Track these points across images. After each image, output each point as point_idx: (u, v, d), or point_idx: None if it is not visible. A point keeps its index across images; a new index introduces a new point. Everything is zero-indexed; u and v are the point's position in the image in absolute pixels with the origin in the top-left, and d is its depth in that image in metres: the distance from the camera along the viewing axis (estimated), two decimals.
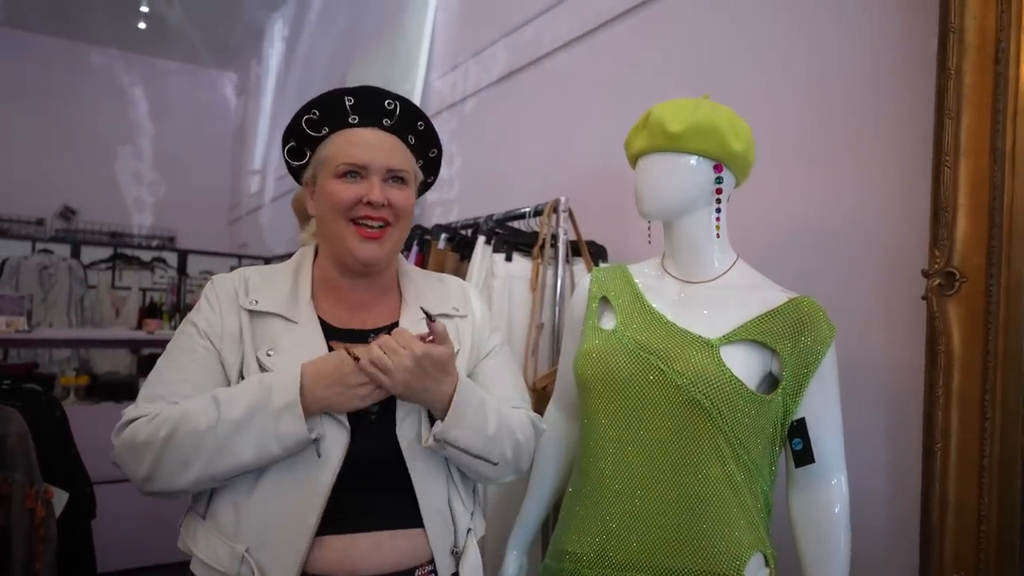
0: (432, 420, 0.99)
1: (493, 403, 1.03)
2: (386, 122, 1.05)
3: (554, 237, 1.73)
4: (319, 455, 0.93)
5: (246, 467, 0.91)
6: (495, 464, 1.02)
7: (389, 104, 1.05)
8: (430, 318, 0.97)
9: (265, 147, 6.30)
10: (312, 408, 0.92)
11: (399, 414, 0.99)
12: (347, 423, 0.95)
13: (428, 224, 2.48)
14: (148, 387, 0.98)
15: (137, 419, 0.94)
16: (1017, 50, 1.07)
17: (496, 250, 1.73)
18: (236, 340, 0.99)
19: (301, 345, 0.99)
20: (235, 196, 7.81)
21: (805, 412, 1.06)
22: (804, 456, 1.06)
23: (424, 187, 1.17)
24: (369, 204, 1.00)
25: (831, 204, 1.39)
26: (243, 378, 0.97)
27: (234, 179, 7.93)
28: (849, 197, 1.36)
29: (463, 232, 2.03)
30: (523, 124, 2.48)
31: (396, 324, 1.07)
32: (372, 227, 1.01)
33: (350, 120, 1.04)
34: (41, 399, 1.88)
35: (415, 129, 1.09)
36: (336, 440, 0.94)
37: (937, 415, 1.11)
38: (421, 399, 0.97)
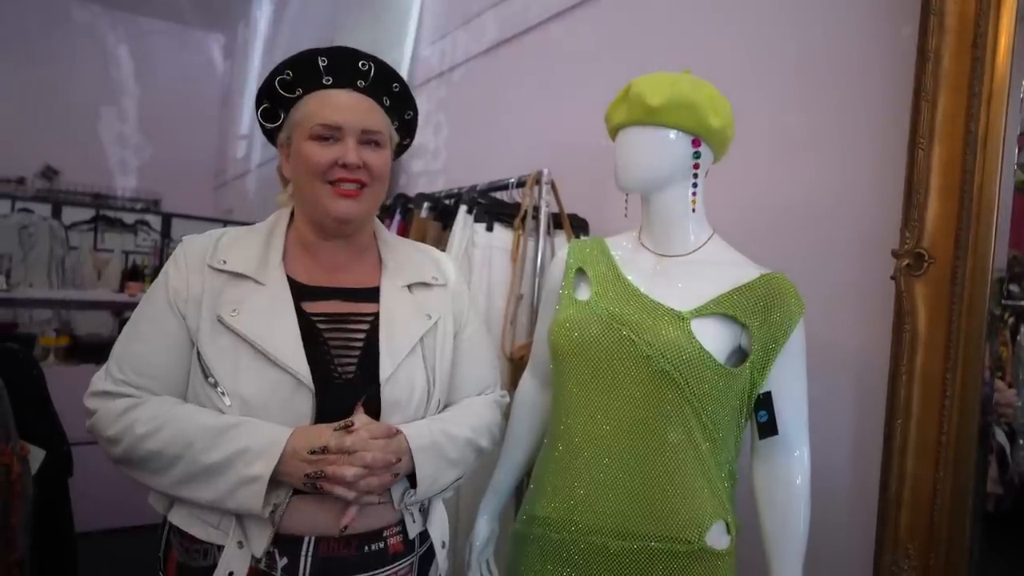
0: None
1: (450, 431, 1.04)
2: (360, 83, 1.04)
3: (536, 209, 1.74)
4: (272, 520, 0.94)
5: (199, 503, 0.93)
6: (463, 475, 1.08)
7: (363, 65, 1.04)
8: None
9: (252, 111, 6.19)
10: (283, 478, 0.92)
11: (383, 375, 0.99)
12: (311, 385, 0.95)
13: (414, 193, 2.47)
14: (116, 359, 0.99)
15: (109, 396, 0.96)
16: (995, 34, 1.08)
17: (477, 220, 1.74)
18: (197, 303, 0.99)
19: (267, 306, 0.99)
20: (221, 160, 7.71)
21: (772, 386, 1.09)
22: (768, 428, 1.09)
23: (400, 149, 1.17)
24: (344, 167, 0.99)
25: (806, 183, 1.41)
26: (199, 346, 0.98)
27: (220, 143, 7.82)
28: (824, 177, 1.38)
29: (446, 202, 2.03)
30: (511, 95, 2.47)
31: (376, 288, 1.08)
32: (348, 188, 1.01)
33: (324, 81, 1.04)
34: (18, 357, 1.88)
35: (390, 90, 1.08)
36: (302, 405, 0.95)
37: (900, 392, 1.14)
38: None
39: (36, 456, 1.71)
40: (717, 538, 1.06)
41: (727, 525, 1.08)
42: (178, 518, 0.98)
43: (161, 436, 0.92)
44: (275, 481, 0.91)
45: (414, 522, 1.05)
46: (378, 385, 0.99)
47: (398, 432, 0.97)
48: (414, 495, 1.01)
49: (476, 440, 1.08)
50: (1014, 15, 1.08)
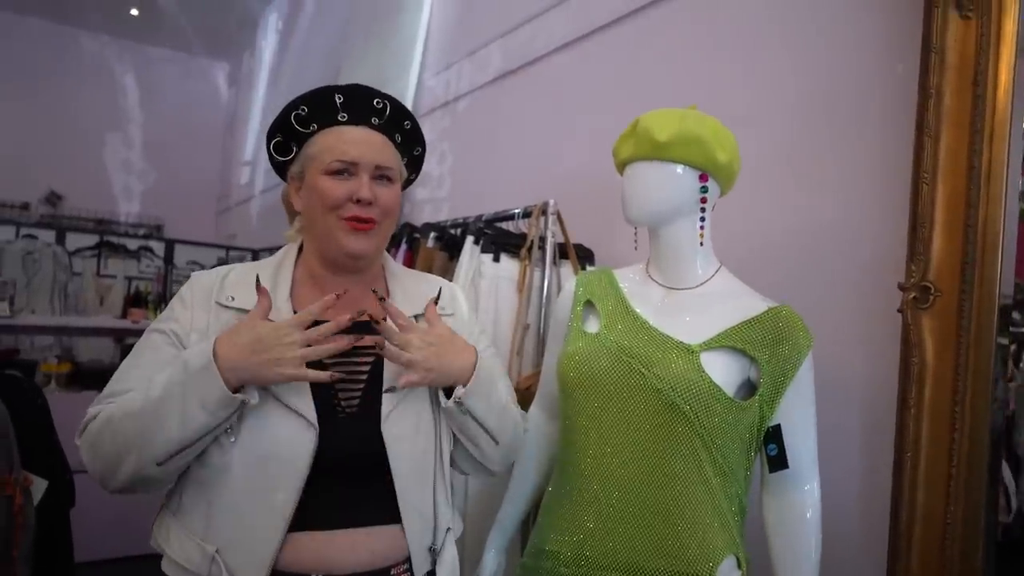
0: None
1: (501, 384, 1.08)
2: (375, 121, 1.06)
3: (542, 239, 1.75)
4: (238, 418, 0.93)
5: (178, 443, 0.89)
6: (497, 444, 1.07)
7: (378, 103, 1.06)
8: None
9: (257, 139, 6.27)
10: (231, 377, 0.89)
11: (384, 410, 0.99)
12: (315, 423, 0.95)
13: (418, 222, 2.49)
14: (110, 386, 0.99)
15: (96, 418, 0.96)
16: (995, 72, 1.10)
17: (484, 250, 1.75)
18: (202, 335, 1.00)
19: None
20: (224, 187, 7.77)
21: (781, 419, 1.09)
22: (778, 462, 1.09)
23: (406, 183, 1.18)
24: (358, 202, 1.01)
25: (812, 216, 1.42)
26: None
27: (224, 170, 7.88)
28: (830, 210, 1.39)
29: (452, 231, 2.04)
30: (515, 125, 2.50)
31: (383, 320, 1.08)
32: (362, 223, 1.02)
33: (339, 117, 1.05)
34: (23, 386, 1.87)
35: (402, 128, 1.10)
36: (303, 440, 0.94)
37: (908, 425, 1.14)
38: (448, 375, 1.00)
39: (39, 487, 1.70)
40: (728, 573, 1.05)
41: (738, 560, 1.07)
42: (170, 568, 0.96)
43: (121, 409, 0.92)
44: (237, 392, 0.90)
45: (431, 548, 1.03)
46: (378, 422, 0.99)
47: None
48: (463, 391, 1.00)
49: (515, 416, 1.11)
50: (1014, 52, 1.10)
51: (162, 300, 4.36)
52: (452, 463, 1.13)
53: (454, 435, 1.08)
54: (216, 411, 0.89)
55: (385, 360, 1.02)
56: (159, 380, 0.92)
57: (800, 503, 1.09)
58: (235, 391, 0.90)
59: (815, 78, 1.45)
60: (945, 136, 1.14)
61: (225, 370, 0.89)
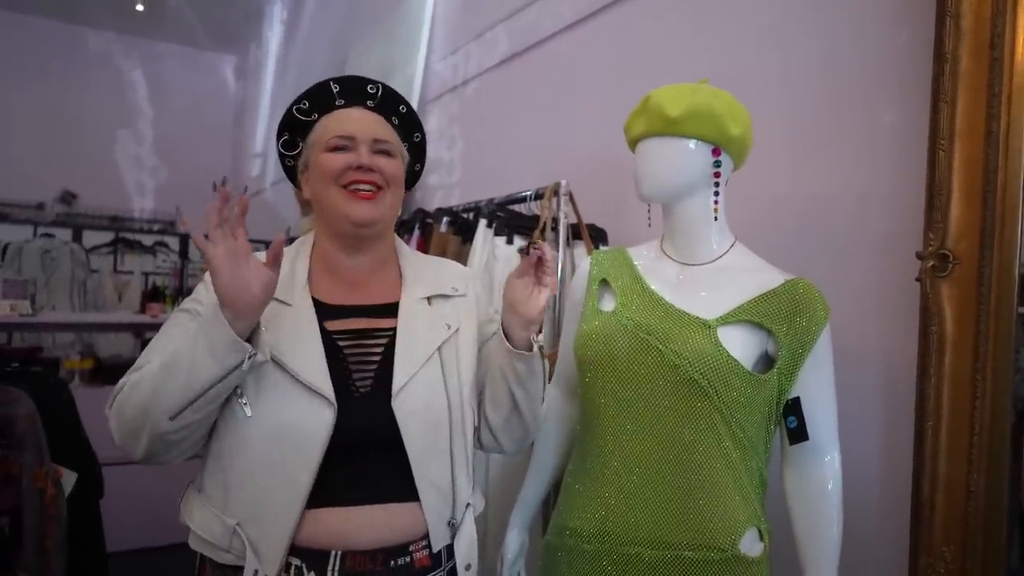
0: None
1: None
2: (370, 103, 1.12)
3: (555, 220, 1.75)
4: (245, 368, 0.90)
5: (188, 391, 0.88)
6: (542, 403, 1.12)
7: (372, 88, 1.12)
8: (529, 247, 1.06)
9: (266, 130, 6.29)
10: (240, 327, 0.89)
11: (395, 386, 1.01)
12: (334, 400, 0.96)
13: (430, 208, 2.49)
14: (138, 361, 1.02)
15: (123, 388, 0.98)
16: (1012, 35, 1.08)
17: (497, 233, 1.75)
18: None
19: (293, 326, 1.02)
20: (235, 180, 7.80)
21: (800, 391, 1.09)
22: (798, 434, 1.09)
23: (413, 175, 1.22)
24: (359, 169, 1.04)
25: (827, 187, 1.41)
26: None
27: (235, 163, 7.91)
28: (845, 180, 1.38)
29: (465, 216, 2.04)
30: (524, 107, 2.49)
31: (397, 304, 1.09)
32: (363, 190, 1.05)
33: (336, 103, 1.11)
34: (48, 381, 1.91)
35: (398, 111, 1.15)
36: (322, 418, 0.96)
37: (929, 394, 1.14)
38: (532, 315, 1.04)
39: (68, 479, 1.74)
40: (750, 545, 1.06)
41: (760, 532, 1.08)
42: (195, 543, 1.00)
43: (143, 373, 0.95)
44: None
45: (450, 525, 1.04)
46: (389, 398, 1.00)
47: None
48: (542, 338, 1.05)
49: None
50: None
51: (179, 294, 4.39)
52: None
53: (481, 405, 1.11)
54: (223, 358, 0.88)
55: (397, 343, 1.04)
56: (175, 337, 0.97)
57: (821, 475, 1.09)
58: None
59: (826, 49, 1.43)
60: (962, 101, 1.13)
61: (231, 318, 0.88)
